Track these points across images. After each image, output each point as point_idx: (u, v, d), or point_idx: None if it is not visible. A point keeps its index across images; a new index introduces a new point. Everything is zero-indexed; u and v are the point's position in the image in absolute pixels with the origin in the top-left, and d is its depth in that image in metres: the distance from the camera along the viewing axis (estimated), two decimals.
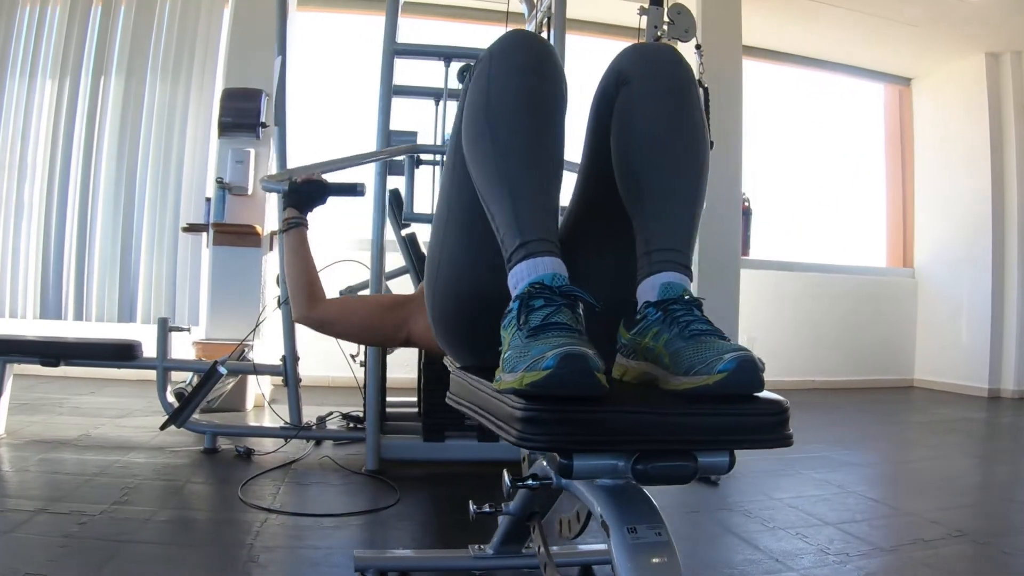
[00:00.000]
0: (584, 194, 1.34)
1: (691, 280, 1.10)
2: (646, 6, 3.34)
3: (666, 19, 3.35)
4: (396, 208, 3.37)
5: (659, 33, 3.27)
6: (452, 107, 3.28)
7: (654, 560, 0.93)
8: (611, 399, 0.90)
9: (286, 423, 3.36)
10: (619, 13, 5.26)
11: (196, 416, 3.29)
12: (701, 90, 3.72)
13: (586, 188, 1.34)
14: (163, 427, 3.14)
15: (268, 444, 3.34)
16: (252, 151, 4.85)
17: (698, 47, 3.44)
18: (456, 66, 3.15)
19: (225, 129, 4.81)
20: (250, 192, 4.85)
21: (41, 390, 4.61)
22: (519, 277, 1.03)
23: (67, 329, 4.86)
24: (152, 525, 2.20)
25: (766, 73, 6.65)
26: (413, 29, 5.42)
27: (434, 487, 2.89)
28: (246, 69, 4.88)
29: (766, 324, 6.22)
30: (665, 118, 1.19)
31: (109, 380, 4.91)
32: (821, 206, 7.03)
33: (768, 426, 0.94)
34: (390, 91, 3.08)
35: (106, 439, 3.33)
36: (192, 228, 4.92)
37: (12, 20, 5.19)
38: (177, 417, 3.11)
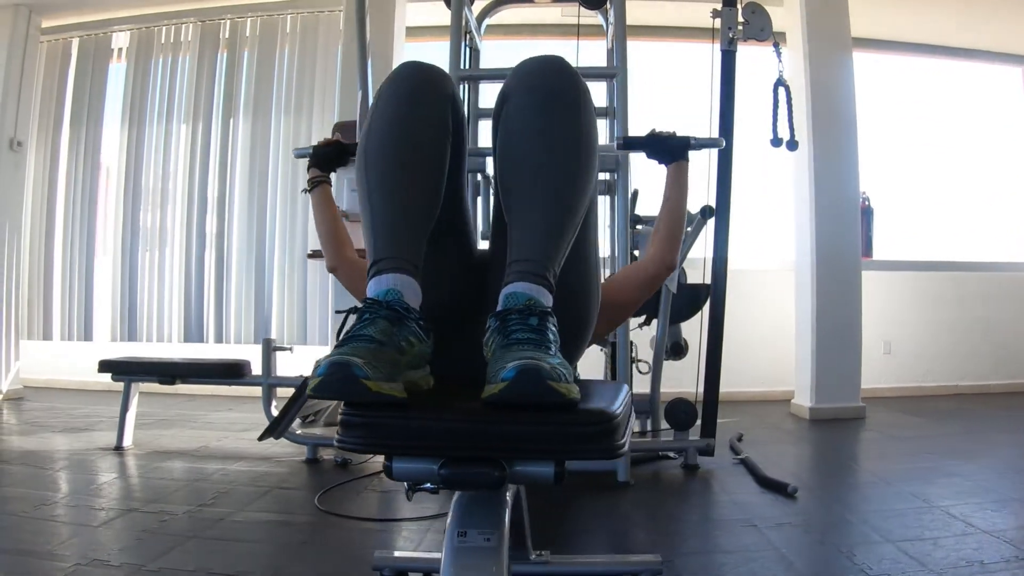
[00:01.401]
0: (496, 208, 1.45)
1: (549, 288, 1.13)
2: (719, 8, 3.37)
3: (740, 19, 3.36)
4: None
5: (732, 35, 3.29)
6: None
7: (474, 562, 1.00)
8: (423, 406, 1.00)
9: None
10: (698, 16, 5.23)
11: (303, 430, 3.60)
12: (783, 89, 3.70)
13: (496, 202, 1.43)
14: (260, 438, 3.44)
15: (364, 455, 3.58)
16: None
17: (776, 45, 3.42)
18: None
19: None
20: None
21: (183, 407, 5.10)
22: (368, 294, 1.14)
23: (208, 351, 5.37)
24: (224, 524, 2.47)
25: (883, 65, 6.36)
26: (501, 49, 5.57)
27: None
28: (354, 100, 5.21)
29: (904, 328, 5.96)
30: (529, 129, 1.23)
31: (251, 398, 5.32)
32: (957, 201, 6.63)
33: (589, 436, 0.97)
34: None
35: (221, 450, 3.69)
36: (316, 254, 5.30)
37: (148, 70, 5.83)
38: (273, 429, 3.40)
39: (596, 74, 3.27)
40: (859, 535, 2.41)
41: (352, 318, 1.09)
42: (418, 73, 1.32)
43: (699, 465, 3.27)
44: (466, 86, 3.44)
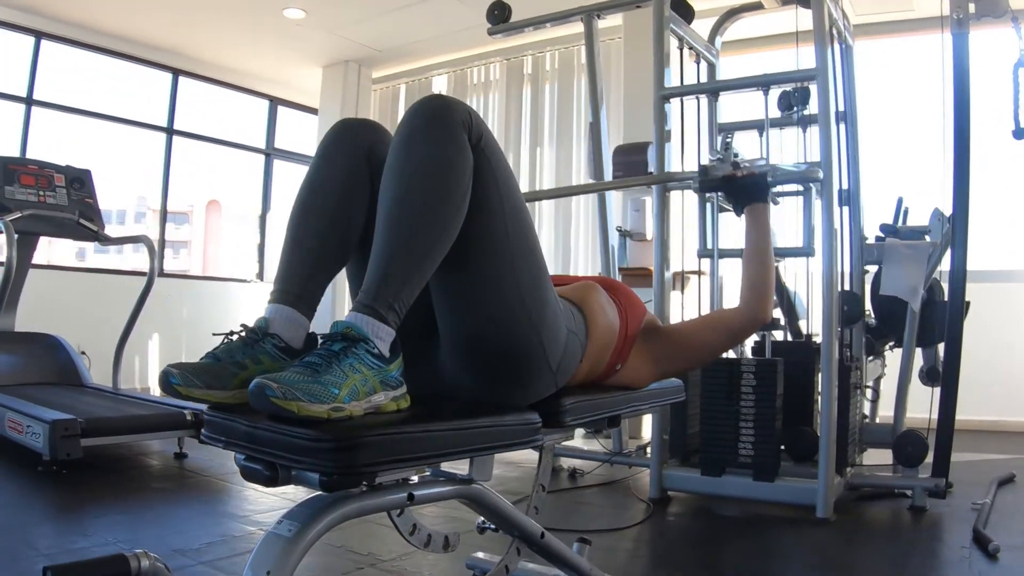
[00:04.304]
0: None
1: (378, 317, 1.24)
2: None
3: None
4: None
5: (957, 16, 2.99)
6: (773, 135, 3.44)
7: (269, 542, 1.20)
8: (246, 412, 1.22)
9: (607, 450, 3.77)
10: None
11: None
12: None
13: None
14: None
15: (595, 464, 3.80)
16: (647, 200, 5.35)
17: (1015, 20, 3.03)
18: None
19: None
20: (648, 237, 5.35)
21: None
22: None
23: None
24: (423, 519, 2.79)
25: None
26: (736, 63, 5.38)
27: (691, 519, 3.04)
28: (640, 124, 5.43)
29: None
30: (388, 167, 1.34)
31: None
32: None
33: (313, 450, 1.12)
34: (663, 134, 3.34)
35: (501, 456, 4.09)
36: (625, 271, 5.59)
37: None
38: None
39: (793, 78, 3.15)
40: None
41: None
42: (337, 128, 1.50)
43: (926, 507, 2.96)
44: (680, 102, 3.50)
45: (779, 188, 3.29)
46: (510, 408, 1.46)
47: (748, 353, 3.44)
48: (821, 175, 2.88)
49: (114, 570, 1.25)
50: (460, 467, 1.48)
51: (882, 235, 3.45)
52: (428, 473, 1.53)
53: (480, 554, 2.20)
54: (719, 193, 2.02)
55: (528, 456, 3.95)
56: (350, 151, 1.47)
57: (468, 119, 1.35)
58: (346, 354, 1.20)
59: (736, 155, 3.09)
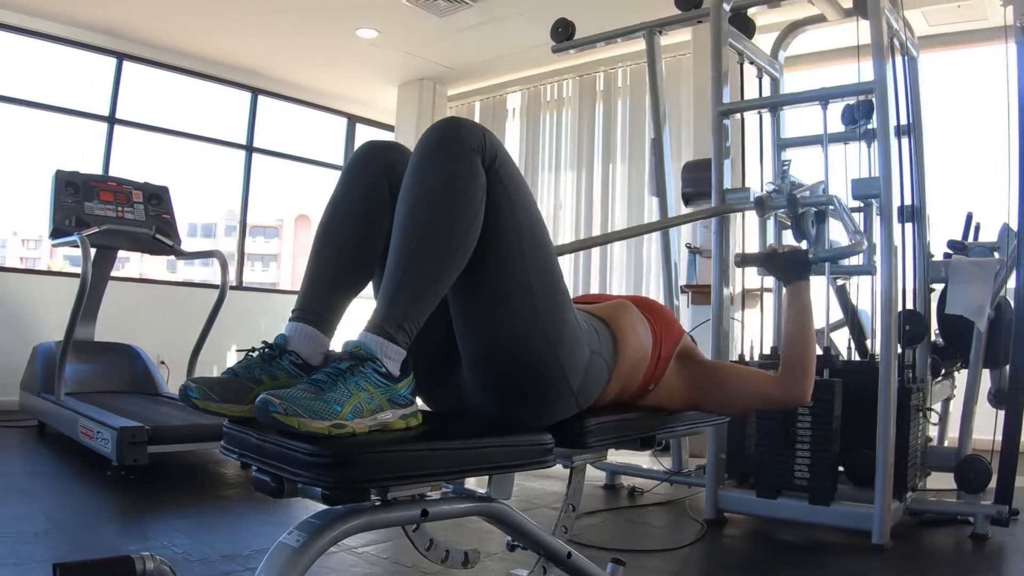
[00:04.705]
0: None
1: (387, 336, 1.27)
2: None
3: None
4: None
5: (1020, 24, 2.91)
6: (837, 150, 3.40)
7: (278, 551, 1.24)
8: (259, 427, 1.27)
9: (666, 469, 3.74)
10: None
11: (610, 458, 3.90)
12: None
13: None
14: None
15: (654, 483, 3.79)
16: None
17: None
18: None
19: (688, 199, 5.36)
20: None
21: None
22: None
23: None
24: (461, 531, 2.80)
25: None
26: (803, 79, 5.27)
27: (744, 542, 2.99)
28: (709, 140, 5.38)
29: None
30: (403, 190, 1.37)
31: None
32: None
33: (313, 465, 1.16)
34: (722, 151, 3.32)
35: (563, 472, 4.11)
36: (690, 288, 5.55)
37: (538, 125, 6.66)
38: None
39: (851, 92, 3.09)
40: None
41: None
42: (361, 150, 1.54)
43: (988, 535, 2.85)
44: (741, 117, 3.47)
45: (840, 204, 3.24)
46: (522, 428, 1.47)
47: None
48: (864, 246, 2.81)
49: (119, 570, 1.31)
50: (482, 484, 1.50)
51: (950, 252, 3.35)
52: (450, 489, 1.54)
53: (520, 571, 2.22)
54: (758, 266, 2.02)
55: (591, 474, 3.96)
56: (372, 173, 1.51)
57: (482, 140, 1.36)
58: (352, 372, 1.23)
59: (793, 182, 3.06)
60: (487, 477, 1.46)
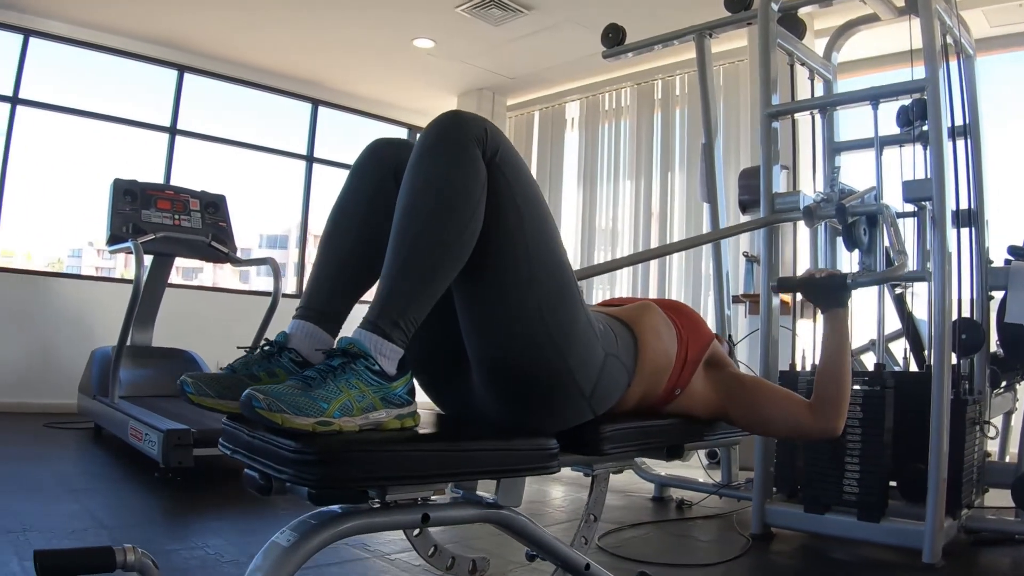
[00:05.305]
0: None
1: (382, 333, 1.24)
2: None
3: None
4: None
5: None
6: (894, 154, 3.31)
7: (268, 549, 1.23)
8: (249, 423, 1.26)
9: (715, 482, 3.67)
10: None
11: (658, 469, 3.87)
12: None
13: None
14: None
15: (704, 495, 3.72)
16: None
17: None
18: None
19: (745, 207, 5.26)
20: None
21: None
22: None
23: None
24: (481, 540, 2.81)
25: None
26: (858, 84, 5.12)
27: (788, 558, 2.90)
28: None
29: None
30: (403, 185, 1.34)
31: None
32: None
33: (295, 462, 1.14)
34: (770, 155, 3.25)
35: (612, 483, 4.05)
36: (744, 298, 5.45)
37: (596, 134, 6.63)
38: None
39: (902, 91, 2.98)
40: None
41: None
42: (368, 149, 1.53)
43: None
44: (792, 120, 3.39)
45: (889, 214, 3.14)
46: (526, 432, 1.42)
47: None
48: (908, 268, 2.70)
49: (100, 561, 1.32)
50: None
51: (1011, 258, 3.21)
52: (459, 495, 1.51)
53: None
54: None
55: (640, 487, 3.90)
56: (377, 171, 1.49)
57: (483, 135, 1.33)
58: (344, 370, 1.21)
59: (843, 189, 2.97)
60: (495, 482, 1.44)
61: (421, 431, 1.31)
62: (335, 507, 1.28)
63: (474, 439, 1.37)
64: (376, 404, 1.23)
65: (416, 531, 1.60)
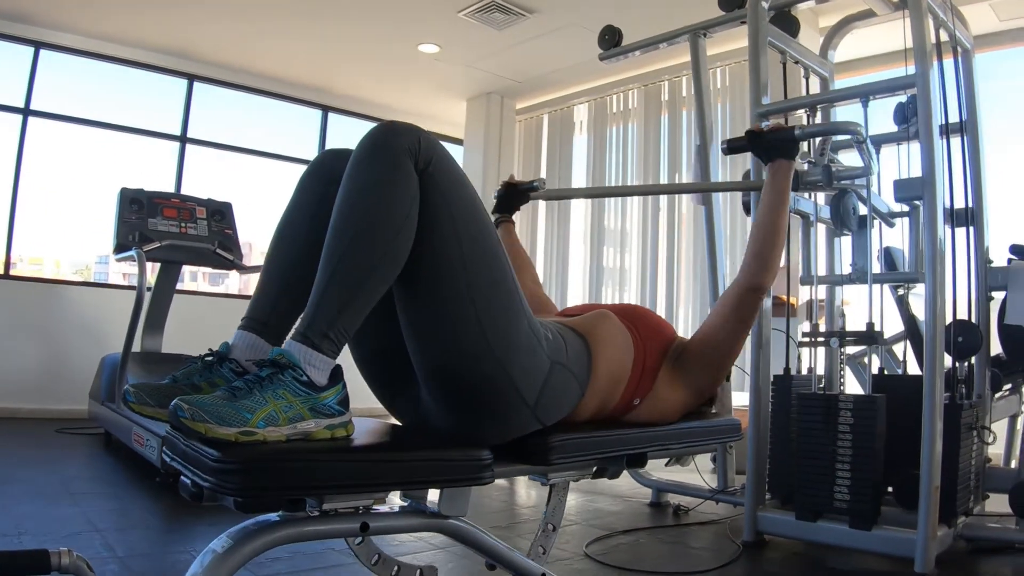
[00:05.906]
0: None
1: (310, 344, 1.24)
2: None
3: None
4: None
5: None
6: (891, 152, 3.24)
7: (204, 555, 1.22)
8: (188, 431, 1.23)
9: (711, 487, 3.60)
10: None
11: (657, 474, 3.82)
12: None
13: None
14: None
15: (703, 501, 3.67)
16: None
17: None
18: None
19: (749, 209, 5.18)
20: (781, 266, 5.13)
21: None
22: None
23: None
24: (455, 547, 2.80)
25: None
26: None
27: (778, 566, 2.83)
28: None
29: None
30: (336, 198, 1.33)
31: None
32: None
33: (218, 471, 1.12)
34: None
35: (610, 487, 4.08)
36: None
37: (604, 137, 6.61)
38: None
39: (891, 87, 2.88)
40: None
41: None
42: (314, 161, 1.53)
43: None
44: (786, 119, 3.32)
45: (888, 208, 3.07)
46: (459, 442, 1.41)
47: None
48: (860, 128, 2.52)
49: (34, 563, 1.32)
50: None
51: (1013, 257, 3.12)
52: (407, 504, 1.50)
53: None
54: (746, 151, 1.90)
55: (638, 492, 3.85)
56: (320, 182, 1.48)
57: (416, 145, 1.32)
58: (271, 381, 1.21)
59: (832, 160, 2.90)
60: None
61: (353, 441, 1.29)
62: (273, 516, 1.28)
63: (405, 449, 1.36)
64: (304, 414, 1.22)
65: (358, 540, 1.57)
